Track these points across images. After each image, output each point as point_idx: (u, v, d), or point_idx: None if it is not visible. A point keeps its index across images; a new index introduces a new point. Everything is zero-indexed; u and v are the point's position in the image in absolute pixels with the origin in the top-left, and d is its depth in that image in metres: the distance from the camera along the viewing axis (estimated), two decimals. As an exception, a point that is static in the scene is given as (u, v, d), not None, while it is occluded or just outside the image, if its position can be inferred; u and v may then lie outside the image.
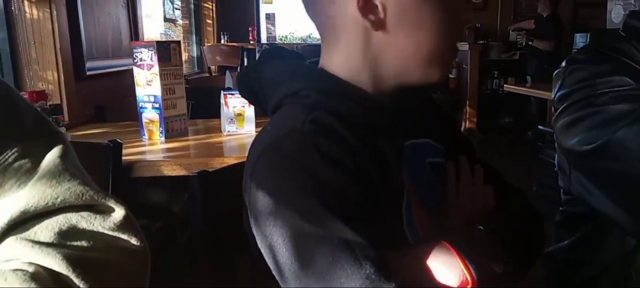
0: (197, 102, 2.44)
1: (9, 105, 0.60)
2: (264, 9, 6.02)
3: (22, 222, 0.52)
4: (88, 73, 2.29)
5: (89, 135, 1.96)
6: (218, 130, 1.96)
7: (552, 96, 1.00)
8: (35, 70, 2.06)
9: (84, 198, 0.56)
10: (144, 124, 1.83)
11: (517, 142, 5.46)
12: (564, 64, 0.99)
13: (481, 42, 5.76)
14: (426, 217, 0.68)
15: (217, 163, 1.49)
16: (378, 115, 0.67)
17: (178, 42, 1.83)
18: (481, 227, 0.67)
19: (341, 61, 0.68)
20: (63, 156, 0.59)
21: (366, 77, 0.68)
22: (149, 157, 1.68)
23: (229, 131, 1.90)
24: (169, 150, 1.73)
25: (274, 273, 0.60)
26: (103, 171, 1.40)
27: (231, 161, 1.41)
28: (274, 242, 0.57)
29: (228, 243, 1.04)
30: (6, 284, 0.46)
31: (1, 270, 0.47)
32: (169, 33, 6.13)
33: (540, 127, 3.77)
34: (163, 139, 1.81)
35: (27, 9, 2.02)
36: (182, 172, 1.53)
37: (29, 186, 0.54)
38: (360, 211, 0.58)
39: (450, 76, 5.85)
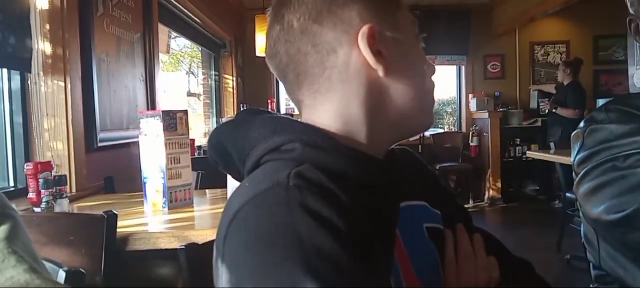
0: (210, 173, 2.39)
1: None
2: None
3: None
4: (100, 144, 2.29)
5: (93, 206, 1.90)
6: (225, 199, 1.88)
7: (572, 159, 0.90)
8: (45, 141, 2.06)
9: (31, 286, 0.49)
10: (147, 193, 1.77)
11: (544, 211, 5.24)
12: (582, 124, 0.90)
13: (501, 109, 5.72)
14: None
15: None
16: (372, 172, 0.59)
17: (185, 111, 1.80)
18: None
19: (333, 115, 0.61)
20: (9, 238, 0.52)
21: (362, 129, 0.61)
22: (149, 228, 1.60)
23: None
24: (170, 221, 1.65)
25: None
26: (96, 243, 1.33)
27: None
28: None
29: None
30: None
31: None
32: (192, 107, 6.27)
33: (569, 194, 3.61)
34: (166, 209, 1.74)
35: (42, 82, 2.04)
36: (179, 245, 1.44)
37: None
38: (354, 280, 0.48)
39: (472, 144, 5.81)
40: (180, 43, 6.88)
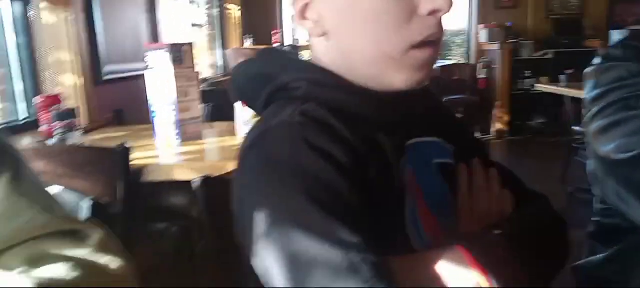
0: (218, 105, 2.41)
1: None
2: (288, 12, 5.96)
3: None
4: (105, 77, 2.30)
5: (104, 138, 1.94)
6: (233, 133, 1.92)
7: (585, 96, 0.91)
8: (52, 75, 2.07)
9: (49, 228, 0.51)
10: (156, 128, 1.80)
11: (551, 145, 5.27)
12: (598, 60, 0.91)
13: (512, 40, 5.59)
14: (435, 224, 0.62)
15: (231, 167, 1.45)
16: (376, 107, 0.62)
17: (190, 44, 1.80)
18: (498, 232, 0.59)
19: (330, 58, 0.64)
20: (14, 181, 0.53)
21: (352, 74, 0.63)
22: (161, 160, 1.65)
23: (244, 134, 1.85)
24: (182, 154, 1.70)
25: (264, 279, 0.53)
26: (112, 175, 1.38)
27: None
28: (261, 247, 0.52)
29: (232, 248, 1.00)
30: None
31: None
32: (196, 39, 6.18)
33: (576, 128, 3.61)
34: (178, 142, 1.78)
35: (43, 15, 2.02)
36: (195, 176, 1.49)
37: None
38: (356, 210, 0.52)
39: (480, 76, 5.72)
40: (180, -30, 6.66)
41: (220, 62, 5.15)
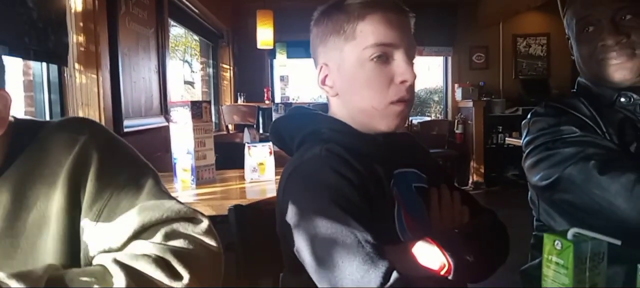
0: (223, 156, 2.69)
1: (116, 151, 0.83)
2: (278, 72, 6.38)
3: (143, 230, 0.75)
4: (125, 130, 2.59)
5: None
6: (241, 178, 2.22)
7: (521, 142, 1.21)
8: (82, 128, 2.35)
9: (181, 213, 0.77)
10: (177, 172, 2.08)
11: (523, 194, 5.54)
12: (529, 115, 1.21)
13: (485, 98, 6.03)
14: (414, 226, 0.89)
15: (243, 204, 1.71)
16: (372, 146, 0.91)
17: (209, 102, 2.13)
18: (456, 231, 0.88)
19: (341, 113, 0.94)
20: (158, 183, 0.81)
21: (352, 123, 0.92)
22: (183, 200, 1.91)
23: (251, 178, 2.15)
24: (199, 194, 1.97)
25: (303, 256, 0.80)
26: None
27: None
28: (301, 234, 0.79)
29: (262, 262, 1.25)
30: (137, 264, 0.68)
31: (135, 254, 0.70)
32: (187, 96, 6.42)
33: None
34: (194, 185, 2.06)
35: (77, 75, 2.34)
36: (213, 213, 1.76)
37: (139, 207, 0.76)
38: (363, 213, 0.79)
39: (457, 131, 6.12)
40: (173, 32, 7.04)
41: (215, 118, 5.44)
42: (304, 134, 0.93)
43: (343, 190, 0.79)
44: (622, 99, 1.11)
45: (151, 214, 0.75)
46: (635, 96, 1.10)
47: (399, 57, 0.87)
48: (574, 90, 1.23)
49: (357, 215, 0.77)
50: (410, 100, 0.89)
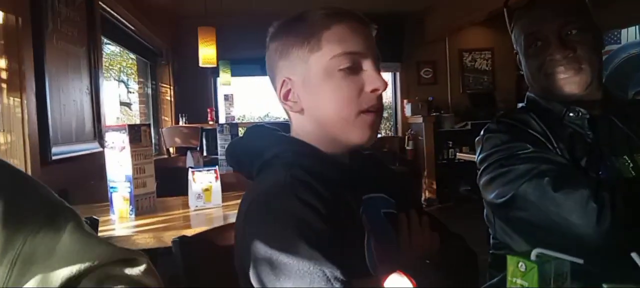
0: (163, 182, 2.60)
1: (23, 190, 0.76)
2: (222, 91, 6.28)
3: (74, 279, 0.69)
4: (53, 158, 2.45)
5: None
6: (185, 206, 2.14)
7: (476, 158, 1.24)
8: (3, 156, 2.20)
9: (115, 255, 0.73)
10: (113, 202, 1.97)
11: (476, 209, 5.69)
12: (482, 132, 1.24)
13: (434, 114, 6.19)
14: (384, 254, 0.88)
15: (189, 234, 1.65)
16: (339, 170, 0.88)
17: (148, 125, 2.05)
18: (428, 262, 0.88)
19: (303, 131, 0.92)
20: (80, 224, 0.75)
21: (320, 142, 0.89)
22: (121, 232, 1.82)
23: (196, 206, 2.08)
24: (139, 225, 1.88)
25: None
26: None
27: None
28: (265, 271, 0.75)
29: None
30: None
31: None
32: (123, 118, 6.21)
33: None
34: (133, 216, 1.96)
35: (-2, 98, 2.19)
36: (155, 245, 1.68)
37: (61, 255, 0.70)
38: (332, 245, 0.76)
39: (408, 148, 6.24)
40: (107, 50, 6.82)
41: (155, 141, 5.30)
42: (265, 158, 0.91)
43: (310, 221, 0.77)
44: (571, 114, 1.16)
45: (79, 262, 0.69)
46: (582, 111, 1.15)
47: (368, 65, 0.87)
48: (523, 104, 1.28)
49: (326, 249, 0.75)
50: (380, 110, 0.89)
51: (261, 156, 0.90)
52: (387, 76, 6.63)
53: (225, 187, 2.12)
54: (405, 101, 6.40)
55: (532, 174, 1.05)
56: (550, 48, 1.15)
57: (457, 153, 5.67)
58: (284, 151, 0.89)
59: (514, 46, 1.29)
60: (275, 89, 0.94)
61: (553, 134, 1.13)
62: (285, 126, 0.98)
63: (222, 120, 6.07)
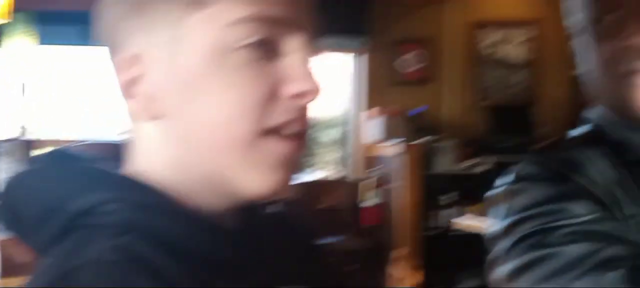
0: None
1: None
2: (16, 72, 4.48)
3: None
4: None
5: None
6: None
7: (491, 228, 0.93)
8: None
9: None
10: None
11: None
12: (506, 180, 0.91)
13: (422, 139, 4.31)
14: None
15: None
16: (217, 242, 0.62)
17: None
18: None
19: (145, 162, 0.64)
20: None
21: (181, 184, 0.62)
22: None
23: None
24: None
25: None
26: None
27: None
28: None
29: None
30: None
31: None
32: None
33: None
34: None
35: None
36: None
37: None
38: None
39: (366, 204, 4.40)
40: None
41: None
42: (72, 212, 0.60)
43: None
44: None
45: None
46: None
47: (293, 45, 0.60)
48: (581, 130, 0.97)
49: None
50: (304, 134, 0.62)
51: (64, 209, 0.60)
52: (339, 62, 4.76)
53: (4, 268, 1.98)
54: (368, 112, 4.42)
55: (592, 263, 0.80)
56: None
57: (460, 218, 4.07)
58: (105, 201, 0.60)
59: (568, 19, 0.97)
60: (115, 71, 0.63)
61: (631, 191, 0.85)
62: (113, 152, 0.70)
63: (6, 132, 4.38)
